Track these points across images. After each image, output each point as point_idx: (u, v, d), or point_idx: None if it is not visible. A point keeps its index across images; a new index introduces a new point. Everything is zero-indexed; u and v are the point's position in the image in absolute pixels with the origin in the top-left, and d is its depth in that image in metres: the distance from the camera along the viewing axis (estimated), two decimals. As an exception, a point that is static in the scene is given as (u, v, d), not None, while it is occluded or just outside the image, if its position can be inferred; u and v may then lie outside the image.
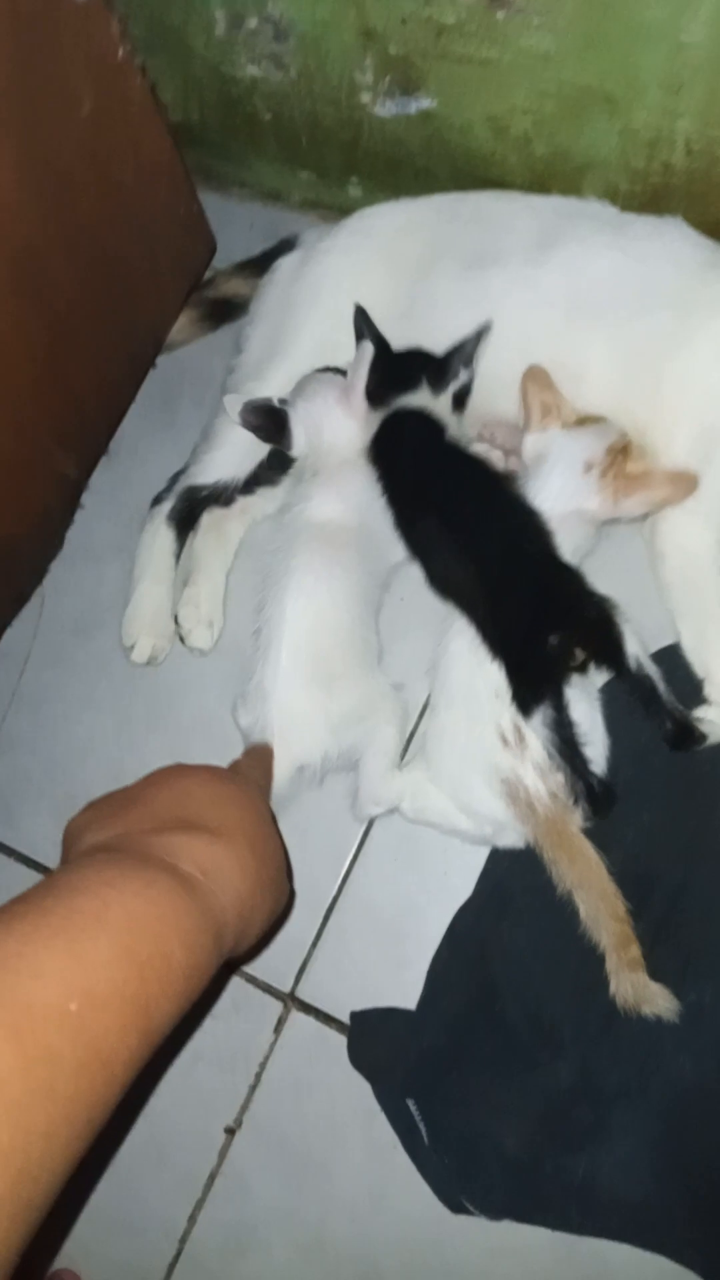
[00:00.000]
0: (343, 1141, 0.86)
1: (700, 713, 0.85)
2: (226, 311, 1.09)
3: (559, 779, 0.81)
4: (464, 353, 0.91)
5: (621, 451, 0.87)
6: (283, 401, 0.93)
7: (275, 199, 1.15)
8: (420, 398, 0.91)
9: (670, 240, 0.89)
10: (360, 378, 0.90)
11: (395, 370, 0.92)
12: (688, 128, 0.82)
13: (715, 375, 0.86)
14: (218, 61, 0.98)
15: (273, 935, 0.59)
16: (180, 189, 0.95)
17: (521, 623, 0.83)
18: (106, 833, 0.57)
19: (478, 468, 0.91)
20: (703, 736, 0.84)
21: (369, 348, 0.90)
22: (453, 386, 0.92)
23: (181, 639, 0.97)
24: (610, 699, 0.86)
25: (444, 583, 0.87)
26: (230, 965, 0.88)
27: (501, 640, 0.83)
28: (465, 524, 0.87)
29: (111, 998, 0.43)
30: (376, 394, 0.91)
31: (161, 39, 0.98)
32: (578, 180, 0.93)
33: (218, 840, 0.56)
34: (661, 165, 0.88)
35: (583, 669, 0.84)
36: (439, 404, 0.92)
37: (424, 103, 0.91)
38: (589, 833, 0.82)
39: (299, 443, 0.94)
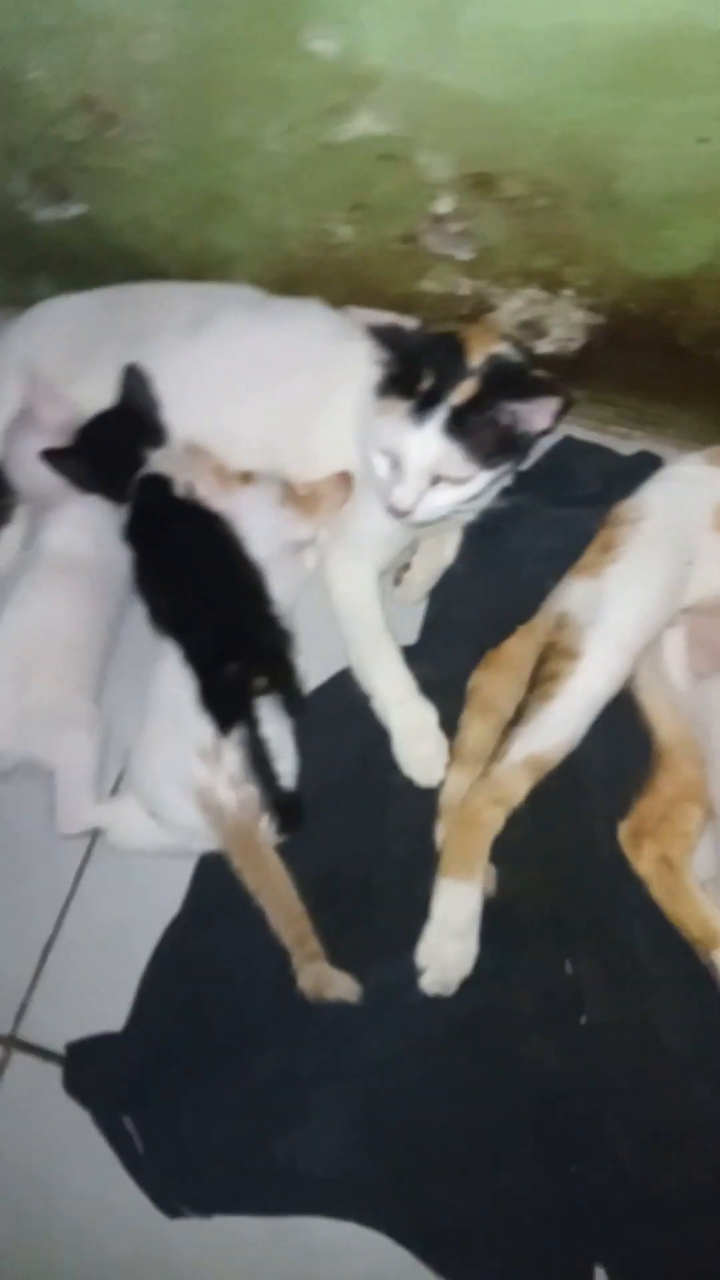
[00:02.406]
0: (69, 1169, 0.88)
1: None
2: None
3: (251, 791, 0.89)
4: (145, 398, 1.00)
5: (289, 485, 1.00)
6: None
7: (-26, 298, 1.23)
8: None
9: (307, 316, 1.02)
10: None
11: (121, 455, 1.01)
12: (295, 223, 0.96)
13: (350, 430, 0.98)
14: None
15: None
16: None
17: (207, 652, 0.92)
18: None
19: (195, 515, 0.99)
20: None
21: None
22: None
23: None
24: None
25: (155, 616, 0.96)
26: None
27: (195, 668, 0.91)
28: (170, 563, 0.97)
29: None
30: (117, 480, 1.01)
31: None
32: (226, 270, 1.06)
33: None
34: (286, 255, 1.01)
35: (265, 694, 0.93)
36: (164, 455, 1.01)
37: (76, 208, 1.02)
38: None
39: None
